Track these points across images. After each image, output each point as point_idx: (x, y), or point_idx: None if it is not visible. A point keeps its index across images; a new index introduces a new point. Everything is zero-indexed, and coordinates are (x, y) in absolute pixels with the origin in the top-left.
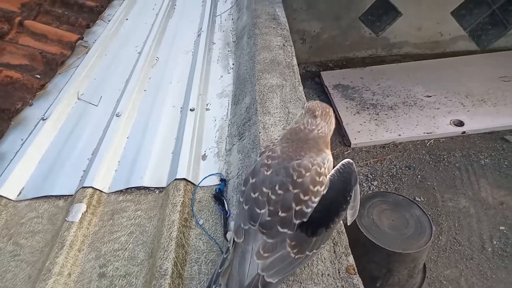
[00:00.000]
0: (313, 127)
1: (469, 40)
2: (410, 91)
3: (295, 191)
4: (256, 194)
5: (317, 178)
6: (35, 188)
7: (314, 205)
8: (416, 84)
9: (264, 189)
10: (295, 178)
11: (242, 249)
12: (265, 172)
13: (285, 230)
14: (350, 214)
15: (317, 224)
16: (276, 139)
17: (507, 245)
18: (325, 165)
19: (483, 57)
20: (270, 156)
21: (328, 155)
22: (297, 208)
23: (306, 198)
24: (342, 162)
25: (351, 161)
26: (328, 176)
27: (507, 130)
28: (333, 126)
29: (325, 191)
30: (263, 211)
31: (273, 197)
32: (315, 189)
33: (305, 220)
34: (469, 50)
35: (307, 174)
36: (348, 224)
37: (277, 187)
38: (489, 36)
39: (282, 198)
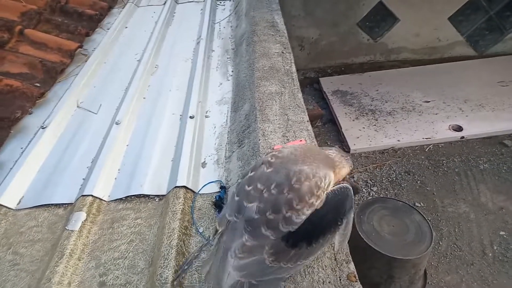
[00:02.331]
0: (331, 151)
1: (467, 46)
2: (409, 96)
3: (289, 195)
4: (250, 188)
5: (315, 191)
6: (35, 197)
7: (305, 217)
8: (415, 89)
9: (259, 185)
10: (292, 182)
11: (225, 247)
12: (265, 169)
13: (269, 234)
14: (338, 241)
15: (298, 236)
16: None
17: (507, 250)
18: (325, 180)
19: (480, 62)
20: (275, 156)
21: (331, 175)
22: (287, 214)
23: (299, 207)
24: (340, 185)
25: (349, 186)
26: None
27: (506, 134)
28: (347, 168)
29: (319, 207)
30: (250, 205)
31: (266, 195)
32: (311, 201)
33: (292, 229)
34: (467, 56)
35: (306, 182)
36: (335, 250)
37: (272, 187)
38: (486, 41)
39: (274, 198)
